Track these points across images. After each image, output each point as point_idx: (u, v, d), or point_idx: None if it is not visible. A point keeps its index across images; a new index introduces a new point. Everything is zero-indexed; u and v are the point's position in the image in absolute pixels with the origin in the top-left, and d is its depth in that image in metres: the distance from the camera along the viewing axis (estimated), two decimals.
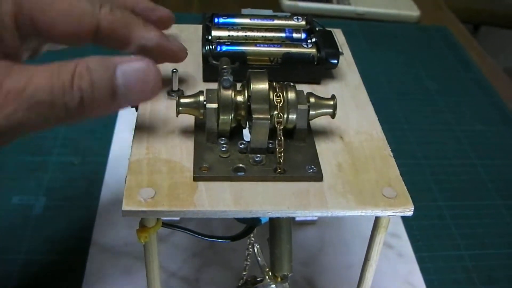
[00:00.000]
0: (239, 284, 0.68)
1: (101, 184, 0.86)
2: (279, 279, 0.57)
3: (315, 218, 0.81)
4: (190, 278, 0.73)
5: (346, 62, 0.63)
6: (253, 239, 0.62)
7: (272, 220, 0.50)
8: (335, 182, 0.47)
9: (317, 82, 0.59)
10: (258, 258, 0.61)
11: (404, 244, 0.81)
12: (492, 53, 1.39)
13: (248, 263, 0.65)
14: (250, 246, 0.64)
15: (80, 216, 0.82)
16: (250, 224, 0.55)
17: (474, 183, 0.96)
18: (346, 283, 0.74)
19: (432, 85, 1.21)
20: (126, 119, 0.97)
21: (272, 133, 0.48)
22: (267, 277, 0.60)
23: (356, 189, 0.47)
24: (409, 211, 0.46)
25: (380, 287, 0.74)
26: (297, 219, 0.80)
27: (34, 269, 0.75)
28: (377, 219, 0.49)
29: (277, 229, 0.49)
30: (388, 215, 0.46)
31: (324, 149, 0.50)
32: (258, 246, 0.62)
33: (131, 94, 0.44)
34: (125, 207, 0.43)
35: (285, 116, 0.49)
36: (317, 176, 0.47)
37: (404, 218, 0.85)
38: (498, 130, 1.10)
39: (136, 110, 0.54)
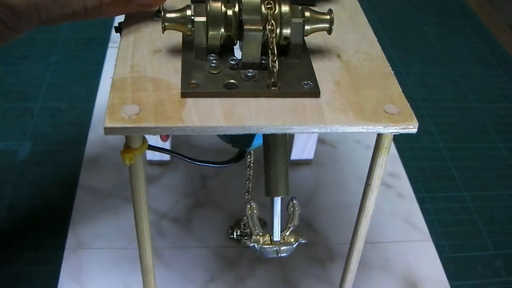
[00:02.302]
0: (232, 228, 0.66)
1: (88, 129, 0.82)
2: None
3: (310, 157, 0.78)
4: (181, 219, 0.70)
5: None
6: (252, 163, 0.60)
7: (266, 139, 0.47)
8: (333, 99, 0.44)
9: (311, 3, 0.55)
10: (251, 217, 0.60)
11: (404, 184, 0.79)
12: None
13: (250, 188, 0.63)
14: (249, 169, 0.61)
15: (67, 161, 0.79)
16: (242, 147, 0.52)
17: (474, 126, 0.94)
18: (345, 221, 0.72)
19: (430, 31, 1.18)
20: (113, 63, 0.93)
21: (265, 50, 0.45)
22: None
23: (356, 105, 0.44)
24: (413, 128, 0.43)
25: (380, 226, 0.71)
26: (291, 158, 0.78)
27: (19, 214, 0.72)
28: (378, 138, 0.46)
29: (271, 149, 0.46)
30: (391, 132, 0.43)
31: (320, 67, 0.47)
32: (254, 204, 0.60)
33: None
34: (107, 123, 0.40)
35: (279, 31, 0.45)
36: (314, 92, 0.44)
37: (403, 159, 0.82)
38: (498, 73, 1.07)
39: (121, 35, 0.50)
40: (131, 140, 0.43)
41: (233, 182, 0.75)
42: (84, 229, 0.68)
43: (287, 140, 0.46)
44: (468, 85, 1.03)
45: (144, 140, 0.43)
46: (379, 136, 0.45)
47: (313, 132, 0.42)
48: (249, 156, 0.61)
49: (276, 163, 0.45)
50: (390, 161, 0.81)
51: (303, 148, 0.77)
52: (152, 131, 0.40)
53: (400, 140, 0.86)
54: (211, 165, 0.52)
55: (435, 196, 0.80)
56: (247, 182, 0.62)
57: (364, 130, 0.42)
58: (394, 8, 1.25)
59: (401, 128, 0.42)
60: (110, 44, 1.00)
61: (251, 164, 0.61)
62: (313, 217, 0.72)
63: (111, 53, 0.97)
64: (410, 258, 0.69)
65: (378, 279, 0.66)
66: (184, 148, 0.79)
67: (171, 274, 0.64)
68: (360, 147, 0.83)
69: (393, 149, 0.83)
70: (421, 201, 0.77)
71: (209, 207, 0.72)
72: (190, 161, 0.51)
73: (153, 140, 0.62)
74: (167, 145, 0.74)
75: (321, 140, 0.82)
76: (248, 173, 0.61)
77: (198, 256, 0.66)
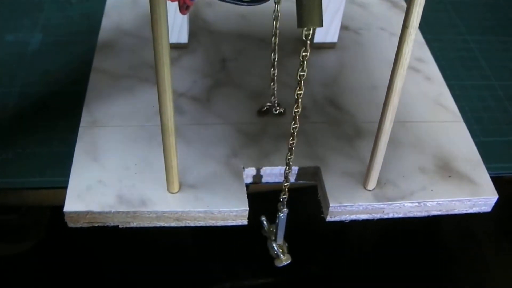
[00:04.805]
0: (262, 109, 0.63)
1: (100, 20, 0.79)
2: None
3: (334, 40, 0.75)
4: (201, 98, 0.67)
5: None
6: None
7: None
8: None
9: None
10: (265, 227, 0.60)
11: (432, 68, 0.75)
12: None
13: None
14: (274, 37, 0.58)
15: (80, 50, 0.76)
16: None
17: (501, 21, 0.90)
18: (371, 102, 0.69)
19: None
20: None
21: None
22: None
23: None
24: None
25: (410, 107, 0.68)
26: (315, 40, 0.74)
27: (30, 100, 0.69)
28: None
29: None
30: None
31: None
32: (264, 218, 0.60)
33: None
34: None
35: None
36: None
37: (430, 47, 0.79)
38: None
39: None
40: None
41: (254, 64, 0.71)
42: (99, 108, 0.65)
43: None
44: None
45: None
46: None
47: None
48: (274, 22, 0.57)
49: None
50: (417, 46, 0.77)
51: (326, 30, 0.73)
52: None
53: (426, 31, 0.83)
54: (234, 2, 0.49)
55: (464, 84, 0.77)
56: (273, 54, 0.59)
57: None
58: None
59: None
60: None
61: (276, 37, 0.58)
62: (338, 97, 0.69)
63: None
64: (442, 137, 0.65)
65: (409, 156, 0.63)
66: (202, 34, 0.76)
67: (192, 150, 0.61)
68: (385, 34, 0.79)
69: (419, 36, 0.79)
70: (450, 87, 0.74)
71: (230, 86, 0.69)
72: None
73: (171, 20, 0.58)
74: (185, 26, 0.71)
75: (344, 27, 0.78)
76: (274, 41, 0.58)
77: (219, 132, 0.63)
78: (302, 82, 0.46)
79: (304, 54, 0.45)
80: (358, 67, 0.73)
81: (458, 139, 0.65)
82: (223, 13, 0.79)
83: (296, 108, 0.48)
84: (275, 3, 0.56)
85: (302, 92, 0.47)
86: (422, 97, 0.70)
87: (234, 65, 0.71)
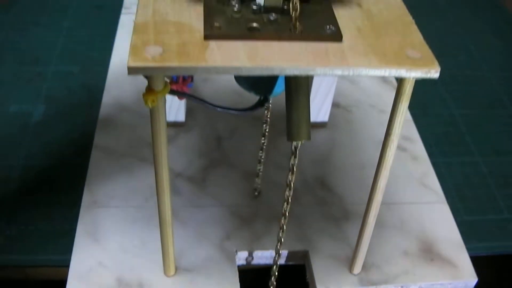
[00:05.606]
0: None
1: (102, 92, 0.82)
2: None
3: (325, 120, 0.78)
4: (196, 178, 0.70)
5: None
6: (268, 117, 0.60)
7: (288, 82, 0.47)
8: (355, 43, 0.44)
9: None
10: None
11: (418, 147, 0.78)
12: None
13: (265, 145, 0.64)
14: (265, 125, 0.62)
15: (81, 122, 0.79)
16: (263, 94, 0.52)
17: (487, 94, 0.93)
18: (360, 183, 0.72)
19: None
20: (127, 30, 0.93)
21: None
22: None
23: (378, 50, 0.43)
24: (435, 73, 0.43)
25: (395, 188, 0.71)
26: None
27: (33, 173, 0.72)
28: (400, 84, 0.46)
29: (294, 92, 0.46)
30: (413, 76, 0.43)
31: (342, 15, 0.47)
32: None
33: None
34: (131, 63, 0.40)
35: None
36: (336, 36, 0.44)
37: (416, 123, 0.82)
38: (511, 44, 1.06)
39: None
40: (153, 83, 0.43)
41: (247, 142, 0.75)
42: (99, 187, 0.68)
43: (309, 83, 0.46)
44: (482, 54, 1.02)
45: (166, 83, 0.43)
46: (401, 81, 0.45)
47: (336, 75, 0.42)
48: (266, 111, 0.61)
49: (299, 105, 0.45)
50: (405, 125, 0.80)
51: (318, 110, 0.77)
52: (176, 70, 0.40)
53: (414, 106, 0.86)
54: (232, 111, 0.52)
55: (449, 160, 0.80)
56: (263, 138, 0.63)
57: (387, 74, 0.42)
58: None
59: (424, 72, 0.42)
60: (123, 11, 0.99)
61: (268, 119, 0.61)
62: (328, 177, 0.72)
63: (124, 19, 0.96)
64: (425, 219, 0.69)
65: (393, 239, 0.66)
66: (198, 111, 0.79)
67: (187, 232, 0.64)
68: (374, 111, 0.83)
69: (407, 115, 0.83)
70: (435, 165, 0.77)
71: (224, 166, 0.72)
72: (211, 106, 0.51)
73: (168, 101, 0.62)
74: (182, 105, 0.74)
75: (336, 104, 0.82)
76: (264, 128, 0.62)
77: (213, 214, 0.66)
78: (294, 169, 0.49)
79: (292, 163, 0.48)
80: (348, 146, 0.76)
81: (441, 221, 0.69)
82: (219, 89, 0.83)
83: (288, 191, 0.51)
84: (265, 110, 0.60)
85: (294, 178, 0.50)
86: (407, 177, 0.73)
87: (229, 144, 0.75)
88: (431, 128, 0.84)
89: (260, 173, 0.66)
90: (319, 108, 0.76)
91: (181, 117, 0.75)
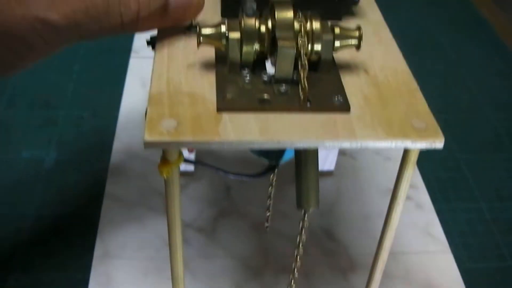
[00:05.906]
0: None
1: (112, 137, 0.84)
2: None
3: (331, 168, 0.80)
4: (206, 229, 0.72)
5: (366, 0, 0.61)
6: (274, 180, 0.61)
7: (298, 153, 0.48)
8: (362, 114, 0.45)
9: (338, 18, 0.57)
10: None
11: (422, 195, 0.80)
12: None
13: (270, 202, 0.65)
14: (270, 188, 0.63)
15: (93, 169, 0.80)
16: (273, 161, 0.53)
17: (490, 136, 0.95)
18: (366, 232, 0.73)
19: (445, 41, 1.19)
20: (136, 73, 0.95)
21: (295, 64, 0.46)
22: None
23: (385, 121, 0.45)
24: (439, 143, 0.44)
25: (401, 237, 0.72)
26: None
27: (46, 222, 0.73)
28: (405, 154, 0.47)
29: (303, 163, 0.47)
30: (418, 147, 0.44)
31: (349, 82, 0.48)
32: None
33: (179, 9, 0.48)
34: (148, 138, 0.41)
35: (310, 46, 0.47)
36: (345, 107, 0.45)
37: (421, 170, 0.84)
38: None
39: (153, 48, 0.52)
40: (168, 154, 0.44)
41: (256, 192, 0.76)
42: (111, 238, 0.69)
43: (317, 153, 0.48)
44: (483, 95, 1.03)
45: (180, 153, 0.45)
46: (406, 151, 0.46)
47: (345, 148, 0.44)
48: (272, 175, 0.62)
49: (308, 176, 0.47)
50: None
51: (324, 160, 0.78)
52: (190, 145, 0.41)
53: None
54: (244, 177, 0.54)
55: (453, 207, 0.81)
56: (268, 200, 0.64)
57: (393, 146, 0.43)
58: (409, 16, 1.26)
59: (428, 144, 0.43)
60: (132, 54, 1.01)
61: (273, 183, 0.63)
62: (334, 227, 0.73)
63: (133, 63, 0.98)
64: (430, 269, 0.70)
65: None
66: (207, 159, 0.80)
67: (198, 283, 0.66)
68: (379, 159, 0.84)
69: None
70: (439, 212, 0.78)
71: (234, 216, 0.74)
72: (223, 173, 0.52)
73: None
74: (191, 156, 0.76)
75: (342, 152, 0.83)
76: (270, 190, 0.63)
77: (223, 265, 0.68)
78: (303, 232, 0.51)
79: (301, 227, 0.50)
80: (353, 195, 0.78)
81: (445, 271, 0.70)
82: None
83: (297, 250, 0.53)
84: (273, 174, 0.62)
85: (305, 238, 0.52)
86: (412, 226, 0.75)
87: (238, 193, 0.76)
88: (435, 173, 0.86)
89: (268, 224, 0.68)
90: (326, 157, 0.78)
91: (190, 166, 0.77)
